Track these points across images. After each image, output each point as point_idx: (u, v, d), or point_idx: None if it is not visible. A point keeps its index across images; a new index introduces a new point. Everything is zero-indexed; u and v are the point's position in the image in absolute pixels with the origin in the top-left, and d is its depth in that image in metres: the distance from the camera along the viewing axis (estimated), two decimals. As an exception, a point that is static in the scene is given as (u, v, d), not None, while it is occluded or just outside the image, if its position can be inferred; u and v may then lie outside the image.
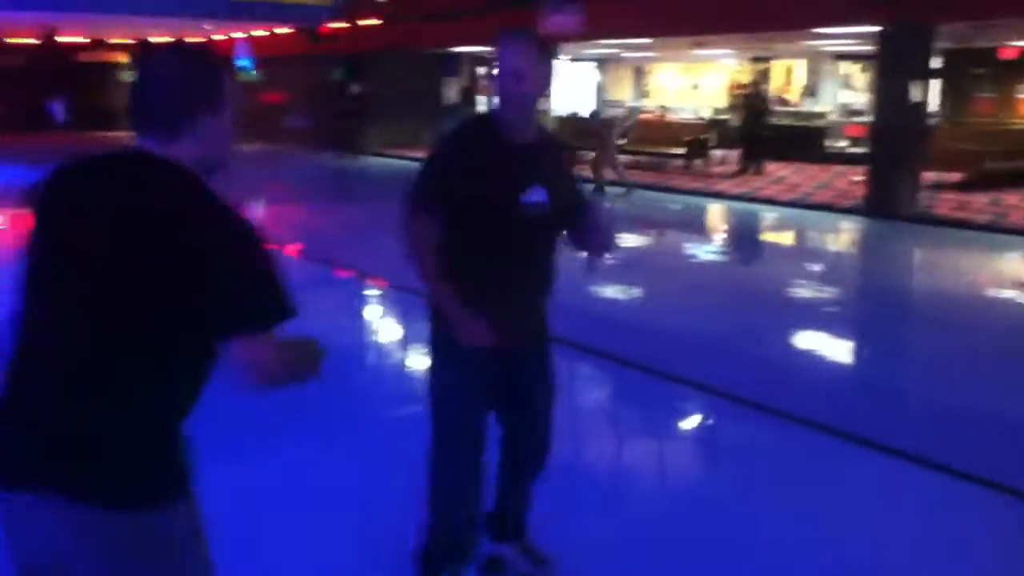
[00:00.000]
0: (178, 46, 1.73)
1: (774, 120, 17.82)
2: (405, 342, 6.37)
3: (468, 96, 21.53)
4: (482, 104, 21.40)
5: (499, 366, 2.78)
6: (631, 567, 3.21)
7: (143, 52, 2.19)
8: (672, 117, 20.32)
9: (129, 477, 1.60)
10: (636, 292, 7.79)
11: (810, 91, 20.72)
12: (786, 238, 12.49)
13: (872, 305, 8.27)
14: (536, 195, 2.66)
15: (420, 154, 20.06)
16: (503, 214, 2.65)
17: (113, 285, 1.59)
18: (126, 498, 1.59)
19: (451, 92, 21.65)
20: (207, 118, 1.68)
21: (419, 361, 5.62)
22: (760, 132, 16.85)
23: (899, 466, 4.19)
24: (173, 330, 1.60)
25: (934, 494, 3.94)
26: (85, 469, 1.58)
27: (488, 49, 21.15)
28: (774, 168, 16.92)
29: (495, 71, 2.64)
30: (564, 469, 3.06)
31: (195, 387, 1.69)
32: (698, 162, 17.23)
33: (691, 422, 5.05)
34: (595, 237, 2.82)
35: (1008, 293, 8.59)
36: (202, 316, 1.58)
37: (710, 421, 4.94)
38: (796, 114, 19.93)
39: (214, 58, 1.75)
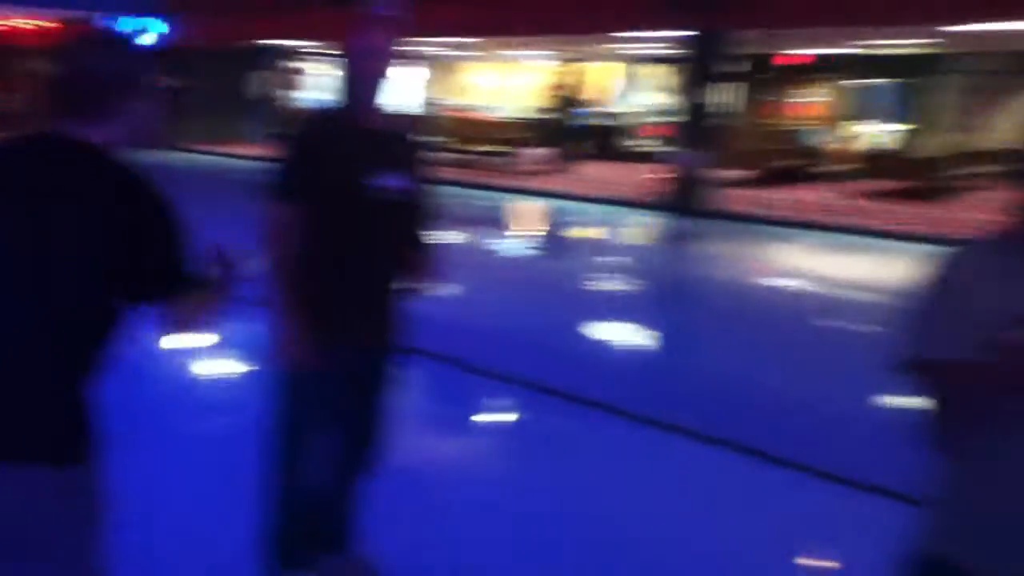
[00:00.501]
0: (103, 34, 1.85)
1: (584, 120, 18.53)
2: (220, 348, 6.16)
3: (274, 90, 21.05)
4: (287, 98, 21.01)
5: (356, 364, 2.76)
6: (453, 568, 3.22)
7: (66, 41, 2.03)
8: (489, 116, 20.67)
9: (60, 436, 1.72)
10: (450, 288, 7.89)
11: (618, 93, 21.66)
12: (593, 233, 13.01)
13: (672, 296, 8.78)
14: (389, 180, 2.63)
15: (231, 149, 19.21)
16: (358, 199, 2.61)
17: (43, 263, 1.67)
18: (59, 455, 1.71)
19: (258, 86, 21.08)
20: (136, 102, 1.78)
21: (233, 367, 5.47)
22: (571, 131, 17.49)
23: (703, 449, 4.44)
24: (99, 302, 1.72)
25: (733, 473, 4.20)
26: (22, 431, 1.69)
27: (297, 43, 20.71)
28: (583, 166, 17.57)
29: (350, 55, 2.62)
30: (383, 472, 3.02)
31: (106, 351, 1.78)
32: (513, 160, 17.62)
33: (507, 416, 5.15)
34: (420, 266, 2.81)
35: (794, 281, 9.35)
36: (126, 286, 1.72)
37: (526, 414, 5.05)
38: (605, 114, 20.78)
39: (140, 45, 1.85)
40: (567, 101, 17.76)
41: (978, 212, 11.92)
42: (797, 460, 4.26)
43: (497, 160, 17.62)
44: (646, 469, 4.21)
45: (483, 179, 15.92)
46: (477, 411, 5.09)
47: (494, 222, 13.04)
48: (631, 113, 20.76)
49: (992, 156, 14.76)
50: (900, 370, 1.63)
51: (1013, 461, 1.57)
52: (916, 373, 1.62)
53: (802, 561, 3.54)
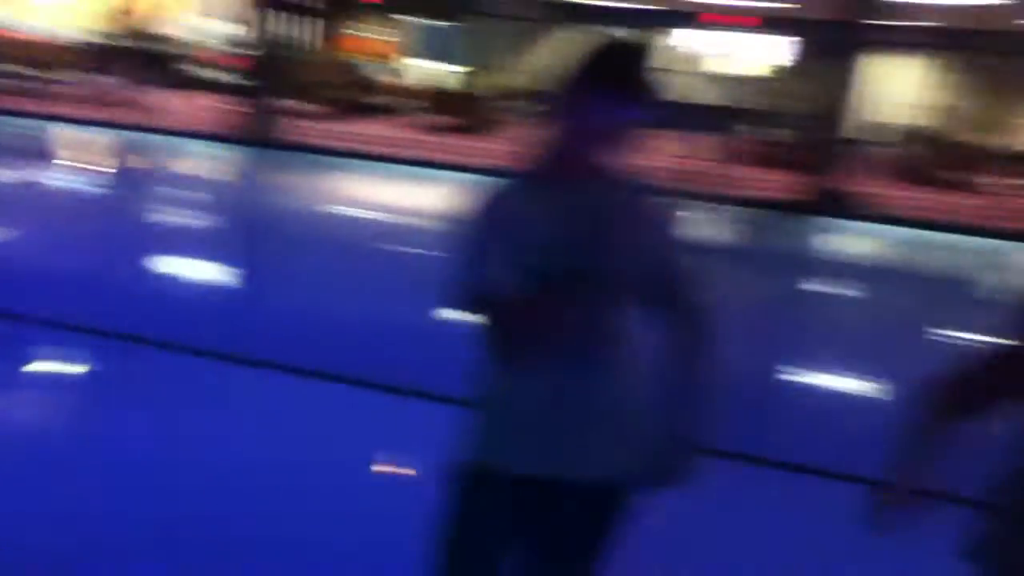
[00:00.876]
0: None
1: (151, 46, 17.44)
2: None
3: None
4: None
5: None
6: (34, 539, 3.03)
7: None
8: (33, 36, 18.46)
9: None
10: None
11: (189, 19, 20.60)
12: (162, 166, 12.52)
13: (246, 229, 8.91)
14: None
15: None
16: None
17: None
18: None
19: None
20: None
21: None
22: (136, 56, 16.39)
23: (285, 379, 4.61)
24: None
25: (319, 399, 4.39)
26: None
27: None
28: (149, 95, 16.58)
29: None
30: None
31: None
32: (66, 86, 16.06)
33: (71, 366, 4.90)
34: None
35: (361, 210, 9.97)
36: None
37: (93, 362, 4.88)
38: (174, 41, 19.69)
39: None
40: (130, 24, 16.53)
41: (520, 146, 13.55)
42: (375, 380, 4.52)
43: (45, 86, 15.92)
44: (229, 405, 4.27)
45: (30, 107, 14.34)
46: (37, 365, 4.84)
47: (43, 155, 11.92)
48: (203, 41, 19.91)
49: (532, 95, 16.78)
50: (452, 294, 1.78)
51: (543, 378, 1.75)
52: (465, 298, 1.76)
53: (388, 470, 3.90)
